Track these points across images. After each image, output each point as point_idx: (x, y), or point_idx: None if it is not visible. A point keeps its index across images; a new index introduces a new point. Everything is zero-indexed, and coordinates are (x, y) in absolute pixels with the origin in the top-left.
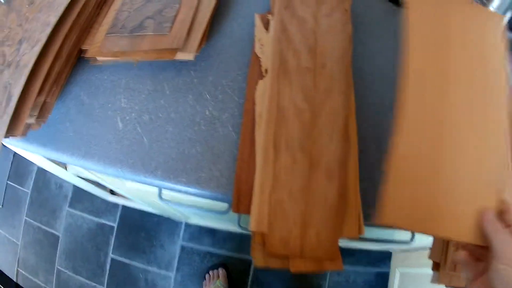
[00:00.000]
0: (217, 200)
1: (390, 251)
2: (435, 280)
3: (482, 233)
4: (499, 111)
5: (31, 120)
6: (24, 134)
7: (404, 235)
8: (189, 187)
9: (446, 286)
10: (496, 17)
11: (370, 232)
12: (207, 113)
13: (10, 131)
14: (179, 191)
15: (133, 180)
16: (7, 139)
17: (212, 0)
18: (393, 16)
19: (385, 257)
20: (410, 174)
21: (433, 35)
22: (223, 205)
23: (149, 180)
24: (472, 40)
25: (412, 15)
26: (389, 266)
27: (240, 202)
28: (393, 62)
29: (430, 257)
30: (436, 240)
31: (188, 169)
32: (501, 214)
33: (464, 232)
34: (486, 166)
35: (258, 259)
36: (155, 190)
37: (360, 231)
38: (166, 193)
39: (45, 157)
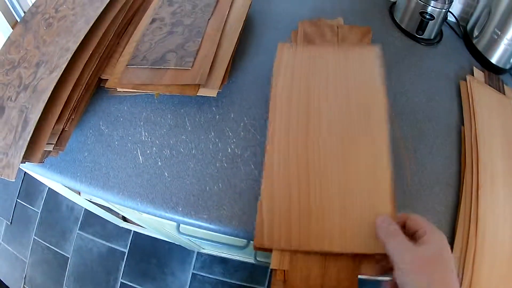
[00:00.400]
0: (238, 237)
1: None
2: None
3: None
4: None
5: (49, 148)
6: (42, 161)
7: None
8: (210, 224)
9: None
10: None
11: None
12: (229, 150)
13: (27, 157)
14: (200, 227)
15: (153, 214)
16: (23, 164)
17: (234, 36)
18: (411, 52)
19: None
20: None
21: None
22: (242, 240)
23: (169, 216)
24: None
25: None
26: None
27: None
28: (412, 100)
29: None
30: None
31: (210, 206)
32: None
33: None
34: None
35: None
36: (173, 223)
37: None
38: (184, 227)
39: (62, 184)
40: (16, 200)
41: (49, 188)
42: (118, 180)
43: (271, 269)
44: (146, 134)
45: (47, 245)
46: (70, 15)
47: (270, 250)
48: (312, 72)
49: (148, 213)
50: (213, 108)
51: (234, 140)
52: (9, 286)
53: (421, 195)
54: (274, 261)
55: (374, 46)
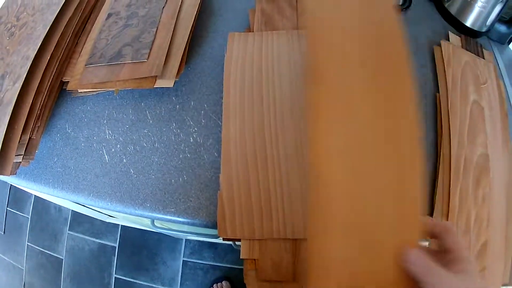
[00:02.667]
0: (207, 228)
1: None
2: None
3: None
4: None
5: (18, 159)
6: (13, 172)
7: None
8: (178, 217)
9: None
10: None
11: None
12: (191, 140)
13: None
14: (170, 221)
15: (123, 212)
16: None
17: (189, 21)
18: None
19: None
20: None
21: None
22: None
23: (139, 212)
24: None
25: None
26: None
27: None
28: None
29: None
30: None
31: (177, 199)
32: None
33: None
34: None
35: (251, 285)
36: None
37: None
38: (159, 221)
39: (38, 191)
40: (6, 209)
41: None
42: (87, 182)
43: (242, 259)
44: (110, 132)
45: (41, 249)
46: (30, 22)
47: (238, 240)
48: (264, 60)
49: (119, 212)
50: (173, 98)
51: (196, 129)
52: None
53: None
54: (243, 251)
55: None
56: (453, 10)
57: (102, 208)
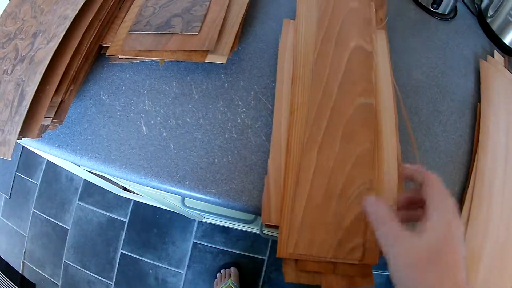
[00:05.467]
0: (247, 212)
1: None
2: None
3: None
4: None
5: (47, 122)
6: (39, 136)
7: None
8: (219, 199)
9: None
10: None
11: None
12: (239, 120)
13: (24, 133)
14: (208, 201)
15: (158, 189)
16: (19, 140)
17: (244, 0)
18: (426, 25)
19: None
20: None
21: None
22: (250, 215)
23: (176, 190)
24: None
25: None
26: None
27: (271, 214)
28: (427, 74)
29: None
30: None
31: (219, 180)
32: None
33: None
34: None
35: (289, 274)
36: (179, 196)
37: None
38: (189, 200)
39: (62, 158)
40: (15, 173)
41: (48, 159)
42: (120, 153)
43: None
44: (150, 103)
45: (47, 217)
46: None
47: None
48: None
49: (153, 187)
50: (222, 76)
51: (244, 109)
52: (8, 262)
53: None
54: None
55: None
56: (494, 26)
57: (134, 182)
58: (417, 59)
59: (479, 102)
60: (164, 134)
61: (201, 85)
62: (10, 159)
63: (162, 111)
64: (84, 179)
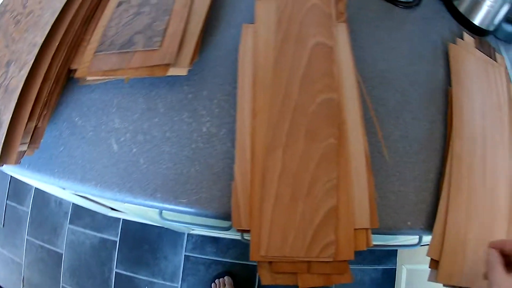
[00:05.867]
0: (220, 219)
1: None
2: (433, 278)
3: None
4: None
5: (24, 147)
6: (18, 161)
7: (411, 239)
8: (191, 208)
9: (444, 285)
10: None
11: (378, 240)
12: (204, 130)
13: (3, 160)
14: (181, 212)
15: (132, 203)
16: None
17: (203, 10)
18: (389, 15)
19: (390, 254)
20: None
21: None
22: (227, 222)
23: (149, 203)
24: None
25: None
26: (395, 263)
27: (241, 219)
28: (394, 64)
29: (428, 254)
30: (435, 235)
31: (188, 190)
32: None
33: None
34: None
35: (265, 277)
36: (155, 209)
37: (368, 243)
38: (166, 212)
39: (42, 182)
40: (6, 202)
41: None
42: (94, 171)
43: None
44: (119, 121)
45: (40, 243)
46: (37, 9)
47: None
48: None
49: (128, 202)
50: (185, 87)
51: (209, 118)
52: None
53: (407, 163)
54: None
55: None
56: (462, 8)
57: (110, 199)
58: (382, 50)
59: (450, 86)
60: (134, 150)
61: (165, 98)
62: None
63: (130, 127)
64: (73, 203)
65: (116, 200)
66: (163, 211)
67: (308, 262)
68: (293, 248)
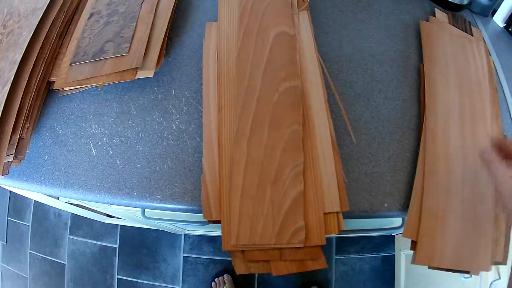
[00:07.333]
0: (194, 213)
1: (392, 234)
2: (413, 260)
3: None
4: None
5: (10, 158)
6: (5, 173)
7: (394, 221)
8: (165, 203)
9: (429, 268)
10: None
11: (353, 224)
12: (174, 127)
13: None
14: (157, 208)
15: (112, 203)
16: None
17: (167, 14)
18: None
19: (388, 241)
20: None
21: None
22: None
23: (127, 201)
24: None
25: None
26: (393, 250)
27: (211, 210)
28: (361, 46)
29: (404, 234)
30: (411, 215)
31: (162, 186)
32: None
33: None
34: None
35: (239, 266)
36: (139, 209)
37: (339, 227)
38: (148, 211)
39: (30, 191)
40: (7, 219)
41: (34, 200)
42: (76, 176)
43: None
44: (96, 126)
45: (43, 256)
46: (17, 28)
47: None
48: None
49: (108, 203)
50: (155, 88)
51: (178, 116)
52: None
53: (380, 144)
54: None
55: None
56: None
57: (91, 201)
58: (348, 33)
59: (422, 63)
60: (111, 152)
61: (137, 100)
62: None
63: (107, 131)
64: (71, 213)
65: (97, 201)
66: (146, 210)
67: (280, 249)
68: (262, 235)
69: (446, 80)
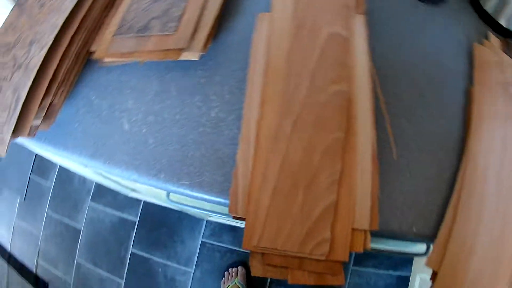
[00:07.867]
0: (220, 205)
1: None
2: None
3: None
4: None
5: (37, 122)
6: (31, 134)
7: (419, 247)
8: (192, 191)
9: None
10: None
11: (380, 243)
12: (212, 114)
13: (17, 132)
14: (183, 194)
15: (137, 182)
16: (17, 139)
17: None
18: (412, 10)
19: (407, 261)
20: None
21: None
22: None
23: (153, 182)
24: None
25: None
26: (410, 271)
27: (237, 206)
28: (413, 60)
29: (427, 263)
30: (438, 244)
31: (192, 173)
32: None
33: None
34: None
35: (256, 268)
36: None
37: (365, 245)
38: (174, 195)
39: (56, 155)
40: (29, 177)
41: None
42: (105, 148)
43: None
44: (133, 101)
45: (60, 218)
46: None
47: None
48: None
49: (133, 180)
50: (199, 72)
51: (219, 103)
52: (23, 262)
53: (420, 162)
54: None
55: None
56: (488, 8)
57: (117, 176)
58: (402, 44)
59: (471, 85)
60: (144, 130)
61: (179, 81)
62: (3, 156)
63: (143, 108)
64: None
65: (122, 177)
66: (171, 193)
67: (300, 258)
68: (286, 241)
69: (495, 107)
